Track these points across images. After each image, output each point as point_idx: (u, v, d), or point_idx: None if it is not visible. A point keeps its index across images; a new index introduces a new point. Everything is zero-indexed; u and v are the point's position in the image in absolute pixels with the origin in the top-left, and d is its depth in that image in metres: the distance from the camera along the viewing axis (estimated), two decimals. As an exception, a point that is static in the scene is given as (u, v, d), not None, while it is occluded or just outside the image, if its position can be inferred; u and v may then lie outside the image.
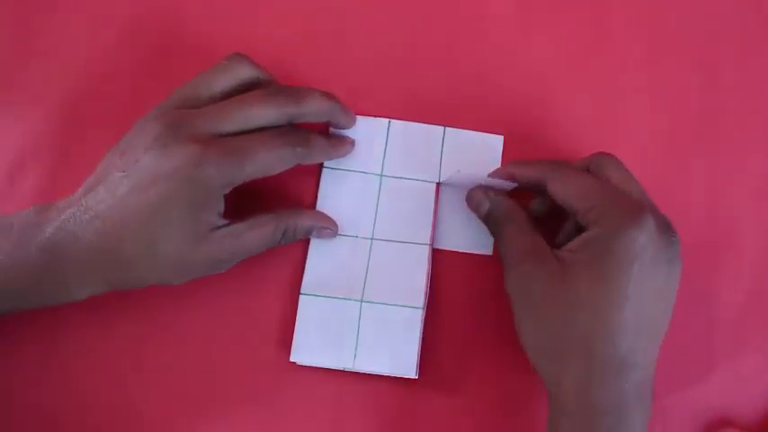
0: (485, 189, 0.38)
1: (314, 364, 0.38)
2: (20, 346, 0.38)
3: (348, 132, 0.40)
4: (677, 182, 0.42)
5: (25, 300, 0.34)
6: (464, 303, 0.40)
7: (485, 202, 0.38)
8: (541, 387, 0.35)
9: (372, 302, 0.38)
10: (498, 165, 0.40)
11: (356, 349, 0.38)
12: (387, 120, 0.41)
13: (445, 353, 0.39)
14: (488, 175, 0.38)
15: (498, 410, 0.39)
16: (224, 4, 0.42)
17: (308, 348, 0.38)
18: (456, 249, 0.40)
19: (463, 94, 0.42)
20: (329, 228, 0.39)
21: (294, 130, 0.36)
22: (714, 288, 0.41)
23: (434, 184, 0.40)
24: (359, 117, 0.40)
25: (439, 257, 0.40)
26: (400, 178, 0.40)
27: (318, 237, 0.39)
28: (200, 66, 0.40)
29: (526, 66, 0.42)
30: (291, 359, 0.38)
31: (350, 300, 0.38)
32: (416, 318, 0.38)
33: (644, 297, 0.32)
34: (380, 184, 0.40)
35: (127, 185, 0.32)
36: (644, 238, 0.32)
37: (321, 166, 0.40)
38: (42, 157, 0.40)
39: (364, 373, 0.38)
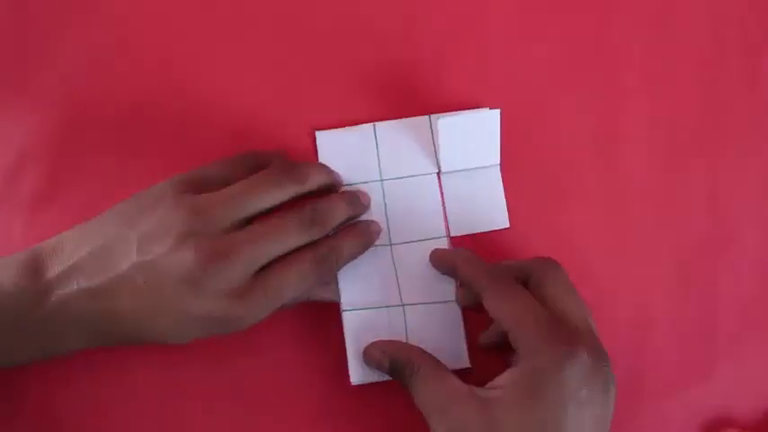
0: (381, 345, 0.36)
1: (374, 380, 0.37)
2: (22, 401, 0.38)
3: (337, 146, 0.40)
4: (677, 182, 0.42)
5: (18, 358, 0.34)
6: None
7: (384, 360, 0.36)
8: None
9: (413, 304, 0.38)
10: (497, 139, 0.39)
11: None
12: (371, 124, 0.40)
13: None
14: (431, 258, 0.38)
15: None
16: (223, 19, 0.42)
17: (365, 365, 0.37)
18: (473, 232, 0.40)
19: (463, 94, 0.41)
20: (368, 240, 0.38)
21: (307, 209, 0.36)
22: (714, 288, 0.41)
23: (435, 175, 0.40)
24: (344, 129, 0.40)
25: (459, 244, 0.40)
26: (401, 178, 0.40)
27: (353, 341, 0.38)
28: (199, 65, 0.41)
29: (526, 66, 0.42)
30: (353, 381, 0.37)
31: (391, 307, 0.38)
32: (456, 310, 0.38)
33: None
34: (383, 189, 0.40)
35: (146, 304, 0.32)
36: (578, 377, 0.30)
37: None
38: (42, 158, 0.40)
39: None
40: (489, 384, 0.32)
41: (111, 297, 0.32)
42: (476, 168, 0.40)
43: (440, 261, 0.38)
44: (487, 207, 0.40)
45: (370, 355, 0.36)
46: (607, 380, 0.32)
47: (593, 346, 0.32)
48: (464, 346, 0.38)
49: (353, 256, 0.38)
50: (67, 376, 0.38)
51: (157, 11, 0.41)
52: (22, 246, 0.38)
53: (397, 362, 0.35)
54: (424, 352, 0.35)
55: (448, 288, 0.38)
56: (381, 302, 0.38)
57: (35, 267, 0.33)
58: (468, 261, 0.36)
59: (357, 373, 0.37)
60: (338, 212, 0.37)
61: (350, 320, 0.38)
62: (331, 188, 0.39)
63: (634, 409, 0.40)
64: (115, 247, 0.33)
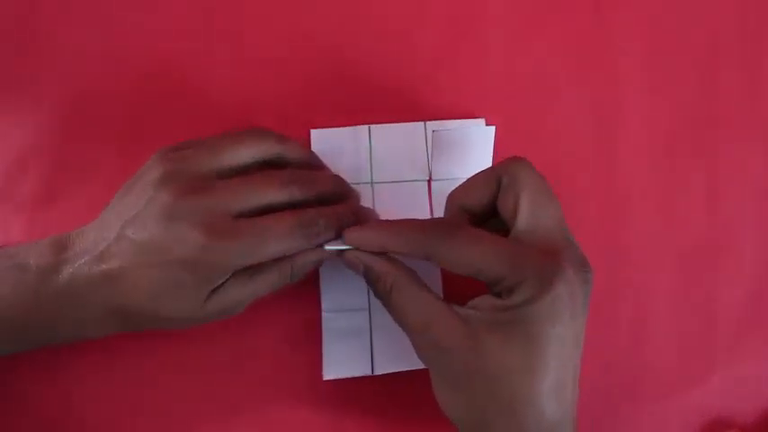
0: (357, 252, 0.34)
1: (346, 376, 0.37)
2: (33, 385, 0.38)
3: (331, 146, 0.40)
4: (677, 182, 0.42)
5: (42, 338, 0.34)
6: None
7: (358, 265, 0.34)
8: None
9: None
10: (490, 154, 0.38)
11: (372, 355, 0.37)
12: (366, 126, 0.40)
13: None
14: (346, 240, 0.34)
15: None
16: (224, 19, 0.42)
17: (338, 363, 0.37)
18: None
19: (462, 95, 0.41)
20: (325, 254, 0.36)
21: (306, 215, 0.34)
22: (714, 288, 0.41)
23: (426, 182, 0.40)
24: (339, 129, 0.40)
25: None
26: (391, 182, 0.40)
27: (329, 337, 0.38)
28: (200, 65, 0.41)
29: (526, 66, 0.42)
30: (325, 377, 0.37)
31: (371, 309, 0.38)
32: None
33: (565, 353, 0.30)
34: (373, 191, 0.40)
35: (135, 253, 0.32)
36: (565, 297, 0.29)
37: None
38: (43, 157, 0.40)
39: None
40: (468, 304, 0.31)
41: (110, 259, 0.32)
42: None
43: (358, 242, 0.34)
44: None
45: (348, 259, 0.34)
46: (587, 290, 0.31)
47: (574, 259, 0.31)
48: None
49: (342, 226, 0.34)
50: (65, 366, 0.38)
51: (158, 11, 0.41)
52: (22, 245, 0.39)
53: (372, 271, 0.33)
54: (401, 265, 0.33)
55: (431, 280, 0.38)
56: (361, 305, 0.38)
57: (59, 247, 0.34)
58: (396, 227, 0.33)
59: (330, 370, 0.37)
60: (321, 180, 0.36)
61: (329, 321, 0.38)
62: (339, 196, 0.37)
63: (634, 409, 0.40)
64: (111, 217, 0.34)
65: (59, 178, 0.40)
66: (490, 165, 0.39)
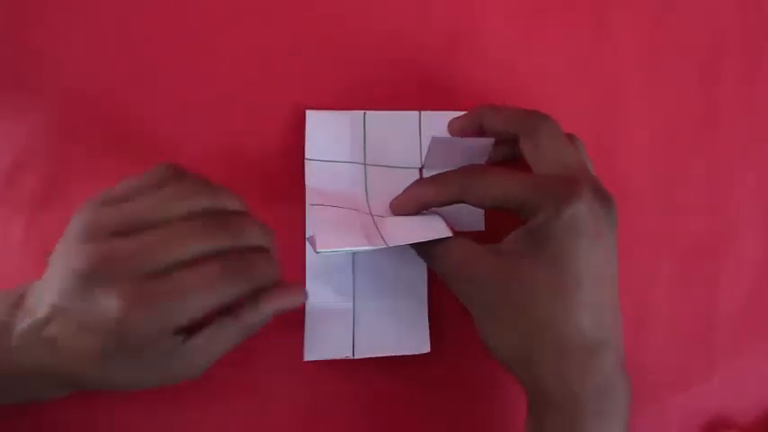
0: (402, 204, 0.37)
1: (326, 357, 0.37)
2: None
3: (326, 127, 0.40)
4: (677, 182, 0.42)
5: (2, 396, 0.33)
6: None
7: (395, 211, 0.36)
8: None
9: (378, 299, 0.38)
10: (485, 156, 0.38)
11: (354, 337, 0.37)
12: (362, 112, 0.40)
13: (450, 334, 0.39)
14: (393, 209, 0.37)
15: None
16: (224, 20, 0.42)
17: (319, 344, 0.37)
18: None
19: (461, 95, 0.41)
20: (296, 301, 0.36)
21: (228, 260, 0.32)
22: (714, 288, 0.41)
23: (418, 170, 0.40)
24: (334, 111, 0.40)
25: None
26: (384, 167, 0.40)
27: (288, 310, 0.36)
28: (200, 65, 0.41)
29: (526, 66, 0.42)
30: (306, 358, 0.37)
31: (356, 299, 0.38)
32: (422, 301, 0.38)
33: (595, 271, 0.31)
34: (365, 172, 0.40)
35: (60, 325, 0.30)
36: (584, 213, 0.31)
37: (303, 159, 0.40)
38: (42, 158, 0.40)
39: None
40: (499, 244, 0.33)
41: (48, 325, 0.31)
42: None
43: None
44: (464, 207, 0.40)
45: (394, 209, 0.37)
46: (612, 219, 0.32)
47: (595, 187, 0.32)
48: (427, 334, 0.38)
49: (270, 277, 0.33)
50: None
51: (157, 10, 0.41)
52: (22, 246, 0.39)
53: None
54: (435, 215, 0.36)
55: (416, 279, 0.39)
56: (346, 289, 0.38)
57: (11, 305, 0.32)
58: (425, 182, 0.36)
59: (311, 350, 0.37)
60: (250, 226, 0.33)
61: (313, 303, 0.38)
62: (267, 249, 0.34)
63: (634, 409, 0.39)
64: (52, 274, 0.32)
65: (59, 178, 0.40)
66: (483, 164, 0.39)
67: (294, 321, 0.38)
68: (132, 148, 0.40)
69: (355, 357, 0.37)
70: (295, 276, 0.39)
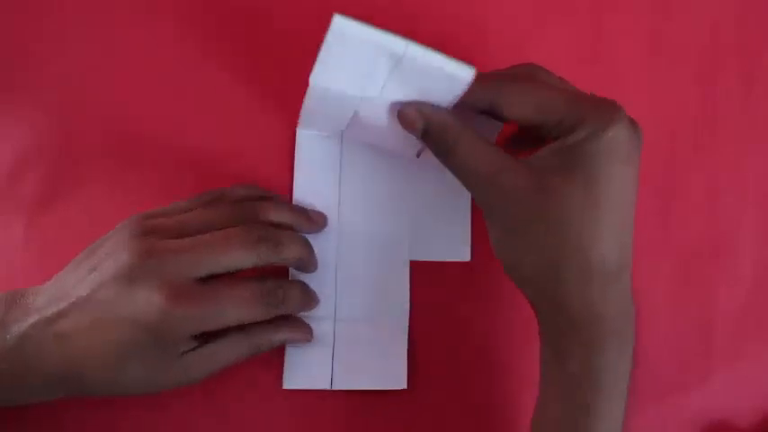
0: (417, 104, 0.33)
1: (306, 387, 0.38)
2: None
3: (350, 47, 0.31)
4: (677, 182, 0.42)
5: None
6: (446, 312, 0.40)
7: (418, 120, 0.33)
8: (530, 387, 0.35)
9: (357, 320, 0.38)
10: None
11: (333, 368, 0.37)
12: (405, 41, 0.30)
13: (431, 363, 0.39)
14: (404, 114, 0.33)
15: (490, 414, 0.39)
16: (223, 19, 0.42)
17: (299, 373, 0.37)
18: (432, 259, 0.39)
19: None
20: (303, 339, 0.37)
21: (268, 285, 0.35)
22: (713, 289, 0.41)
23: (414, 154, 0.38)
24: (368, 27, 0.30)
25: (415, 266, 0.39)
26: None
27: (292, 345, 0.38)
28: (200, 65, 0.41)
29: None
30: (285, 386, 0.37)
31: (337, 320, 0.38)
32: (403, 326, 0.38)
33: (626, 196, 0.31)
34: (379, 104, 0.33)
35: (91, 315, 0.31)
36: (623, 136, 0.30)
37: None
38: (43, 157, 0.40)
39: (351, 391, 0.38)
40: (530, 158, 0.31)
41: (62, 320, 0.31)
42: None
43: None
44: (452, 234, 0.39)
45: (406, 114, 0.33)
46: (640, 144, 0.31)
47: (627, 115, 0.31)
48: (404, 366, 0.38)
49: (296, 308, 0.36)
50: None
51: (157, 14, 0.41)
52: (23, 246, 0.39)
53: (436, 125, 0.32)
54: (461, 120, 0.32)
55: (399, 303, 0.38)
56: (327, 314, 0.38)
57: (9, 304, 0.33)
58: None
59: (291, 379, 0.37)
60: (291, 239, 0.35)
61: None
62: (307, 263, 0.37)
63: (633, 411, 0.39)
64: (69, 278, 0.33)
65: (59, 178, 0.40)
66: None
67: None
68: (132, 148, 0.40)
69: (333, 389, 0.38)
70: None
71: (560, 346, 0.32)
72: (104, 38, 0.41)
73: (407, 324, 0.38)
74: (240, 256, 0.33)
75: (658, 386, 0.40)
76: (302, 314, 0.38)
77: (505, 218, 0.31)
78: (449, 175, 0.34)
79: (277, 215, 0.36)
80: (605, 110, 0.30)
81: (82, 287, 0.32)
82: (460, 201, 0.39)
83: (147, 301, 0.31)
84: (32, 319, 0.31)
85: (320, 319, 0.38)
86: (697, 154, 0.42)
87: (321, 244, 0.38)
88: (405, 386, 0.38)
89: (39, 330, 0.31)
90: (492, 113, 0.32)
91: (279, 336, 0.36)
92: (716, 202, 0.41)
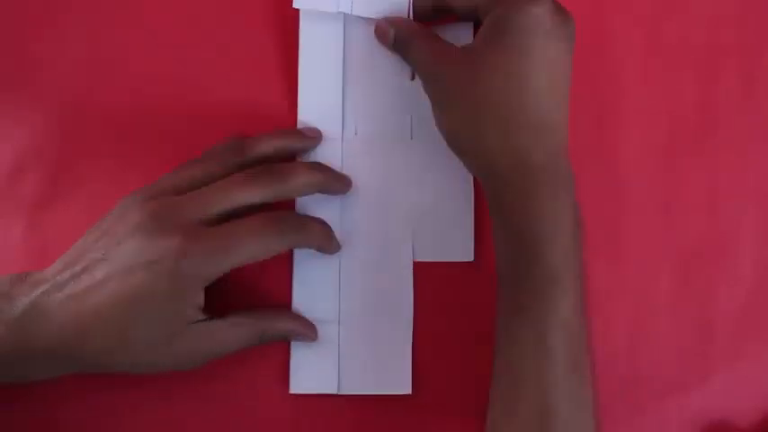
0: (389, 17, 0.38)
1: (313, 392, 0.37)
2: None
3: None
4: (677, 182, 0.42)
5: None
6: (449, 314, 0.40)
7: (390, 30, 0.38)
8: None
9: (361, 320, 0.38)
10: None
11: (340, 372, 0.37)
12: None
13: (436, 366, 0.39)
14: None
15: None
16: (223, 19, 0.42)
17: (306, 377, 0.37)
18: (436, 260, 0.39)
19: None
20: (307, 335, 0.37)
21: (286, 217, 0.36)
22: (713, 289, 0.41)
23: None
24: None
25: (418, 268, 0.39)
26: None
27: (296, 341, 0.38)
28: (200, 65, 0.41)
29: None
30: (292, 390, 0.37)
31: (342, 322, 0.38)
32: (407, 327, 0.38)
33: (549, 65, 0.33)
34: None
35: (105, 269, 0.32)
36: (540, 12, 0.33)
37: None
38: (43, 157, 0.40)
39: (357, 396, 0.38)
40: (468, 44, 0.35)
41: (72, 285, 0.32)
42: None
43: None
44: (456, 234, 0.39)
45: (379, 25, 0.38)
46: (567, 32, 0.34)
47: (556, 4, 0.34)
48: (409, 370, 0.38)
49: (316, 243, 0.37)
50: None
51: (158, 10, 0.41)
52: (23, 246, 0.39)
53: (401, 30, 0.37)
54: (422, 26, 0.38)
55: (402, 303, 0.38)
56: (332, 317, 0.38)
57: (16, 281, 0.33)
58: None
59: (297, 383, 0.37)
60: (295, 171, 0.36)
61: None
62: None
63: (632, 411, 0.40)
64: (76, 251, 0.34)
65: (59, 178, 0.40)
66: None
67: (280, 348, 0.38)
68: (132, 148, 0.40)
69: (341, 393, 0.37)
70: (281, 291, 0.39)
71: (501, 205, 0.34)
72: (105, 38, 0.41)
73: (411, 327, 0.38)
74: (247, 190, 0.34)
75: (658, 386, 0.40)
76: (307, 315, 0.38)
77: (445, 94, 0.35)
78: (451, 176, 0.39)
79: (268, 145, 0.37)
80: None
81: (95, 249, 0.33)
82: (463, 201, 0.39)
83: (163, 246, 0.32)
84: (43, 287, 0.32)
85: (324, 321, 0.38)
86: (697, 154, 0.42)
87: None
88: (409, 391, 0.38)
89: (48, 296, 0.32)
90: (443, 11, 0.38)
91: (283, 324, 0.36)
92: (716, 202, 0.41)
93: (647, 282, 0.41)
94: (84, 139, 0.40)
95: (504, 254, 0.34)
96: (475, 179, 0.39)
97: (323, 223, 0.37)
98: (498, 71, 0.33)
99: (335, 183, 0.38)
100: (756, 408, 0.40)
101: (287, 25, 0.40)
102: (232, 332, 0.34)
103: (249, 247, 0.33)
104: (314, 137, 0.39)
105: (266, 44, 0.41)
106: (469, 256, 0.39)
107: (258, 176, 0.35)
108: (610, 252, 0.41)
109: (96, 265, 0.32)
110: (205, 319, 0.34)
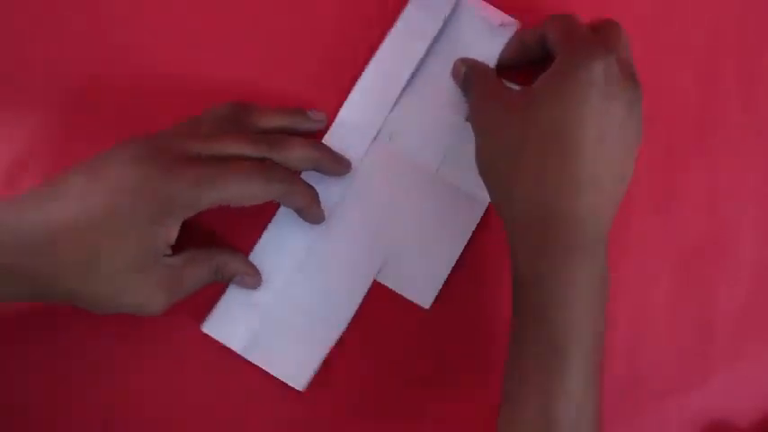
0: (467, 60, 0.39)
1: (223, 343, 0.37)
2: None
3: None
4: (677, 182, 0.42)
5: None
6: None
7: (462, 67, 0.39)
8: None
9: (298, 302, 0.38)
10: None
11: (253, 336, 0.37)
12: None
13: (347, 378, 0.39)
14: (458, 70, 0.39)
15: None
16: (224, 18, 0.42)
17: (222, 322, 0.37)
18: (395, 289, 0.39)
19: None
20: (253, 282, 0.37)
21: (276, 167, 0.35)
22: (713, 289, 0.41)
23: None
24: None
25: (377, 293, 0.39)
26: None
27: (239, 285, 0.38)
28: (200, 66, 0.41)
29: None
30: (203, 328, 0.37)
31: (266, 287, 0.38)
32: (335, 334, 0.38)
33: (600, 126, 0.32)
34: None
35: (89, 188, 0.32)
36: (601, 69, 0.32)
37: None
38: (43, 158, 0.40)
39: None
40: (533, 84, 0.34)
41: (53, 188, 0.32)
42: None
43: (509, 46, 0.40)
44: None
45: (455, 65, 0.39)
46: (632, 98, 0.33)
47: (626, 63, 0.34)
48: (314, 369, 0.38)
49: (302, 201, 0.36)
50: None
51: (158, 10, 0.41)
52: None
53: (471, 70, 0.38)
54: (488, 68, 0.39)
55: (345, 303, 0.39)
56: (280, 291, 0.38)
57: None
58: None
59: (211, 325, 0.37)
60: (292, 144, 0.36)
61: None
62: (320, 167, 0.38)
63: (633, 411, 0.40)
64: (69, 172, 0.33)
65: (59, 178, 0.40)
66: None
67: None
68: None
69: (242, 355, 0.37)
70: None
71: (515, 251, 0.34)
72: (105, 38, 0.41)
73: (340, 334, 0.38)
74: (244, 146, 0.35)
75: (658, 386, 0.40)
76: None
77: (491, 123, 0.34)
78: (454, 223, 0.39)
79: (267, 120, 0.37)
80: (596, 47, 0.32)
81: (81, 171, 0.32)
82: (448, 253, 0.39)
83: (152, 168, 0.32)
84: (16, 201, 0.32)
85: (267, 287, 0.38)
86: (697, 154, 0.42)
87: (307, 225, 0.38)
88: (302, 389, 0.37)
89: (19, 207, 0.31)
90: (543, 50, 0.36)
91: (236, 264, 0.37)
92: (716, 202, 0.41)
93: (647, 282, 0.41)
94: (84, 138, 0.40)
95: (515, 305, 0.34)
96: (472, 242, 0.39)
97: (311, 187, 0.37)
98: (545, 118, 0.32)
99: (333, 163, 0.38)
100: (756, 408, 0.40)
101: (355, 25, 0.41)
102: (190, 271, 0.34)
103: (235, 185, 0.33)
104: (318, 120, 0.39)
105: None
106: (426, 304, 0.39)
107: (257, 140, 0.35)
108: (610, 252, 0.41)
109: (80, 184, 0.32)
110: (169, 255, 0.34)
